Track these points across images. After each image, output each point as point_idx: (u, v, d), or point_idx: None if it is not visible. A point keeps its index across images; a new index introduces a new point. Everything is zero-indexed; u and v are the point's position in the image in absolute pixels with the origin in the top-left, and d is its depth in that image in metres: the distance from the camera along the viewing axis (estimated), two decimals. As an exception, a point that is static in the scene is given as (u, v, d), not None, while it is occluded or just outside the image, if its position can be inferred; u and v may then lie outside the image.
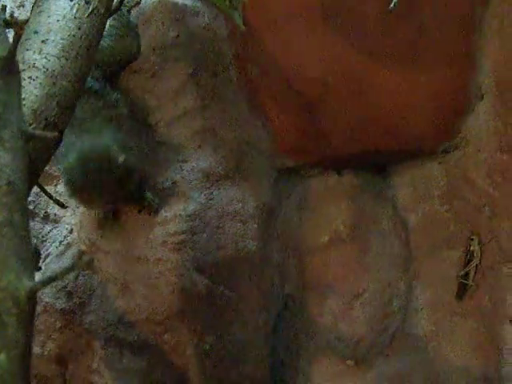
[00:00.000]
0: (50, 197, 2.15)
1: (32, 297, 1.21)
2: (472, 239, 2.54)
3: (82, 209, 2.49)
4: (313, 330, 2.60)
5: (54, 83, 1.77)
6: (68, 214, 2.54)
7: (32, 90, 1.71)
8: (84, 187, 2.16)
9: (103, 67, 2.32)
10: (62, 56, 1.79)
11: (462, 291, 2.57)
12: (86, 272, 2.48)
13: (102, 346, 2.49)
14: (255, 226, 2.49)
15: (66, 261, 2.48)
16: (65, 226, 2.54)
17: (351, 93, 2.42)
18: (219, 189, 2.46)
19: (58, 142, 1.80)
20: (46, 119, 1.72)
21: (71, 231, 2.52)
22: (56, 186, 2.56)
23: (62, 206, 2.29)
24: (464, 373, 2.54)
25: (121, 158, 2.11)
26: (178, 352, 2.47)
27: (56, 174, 2.52)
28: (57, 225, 2.56)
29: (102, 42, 1.95)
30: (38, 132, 1.64)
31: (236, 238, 2.45)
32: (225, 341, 2.48)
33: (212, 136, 2.48)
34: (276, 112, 2.50)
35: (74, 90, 1.82)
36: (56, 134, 1.72)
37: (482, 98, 2.46)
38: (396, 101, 2.43)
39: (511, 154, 2.37)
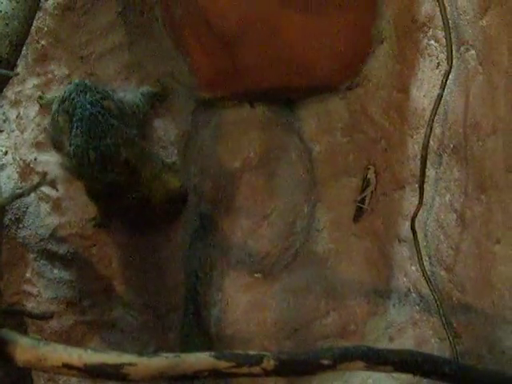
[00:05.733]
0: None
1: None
2: (369, 168, 2.80)
3: (16, 132, 2.69)
4: (225, 246, 2.86)
5: (6, 24, 1.98)
6: (2, 136, 2.72)
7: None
8: None
9: None
10: (13, -1, 1.98)
11: (358, 214, 2.86)
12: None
13: (34, 258, 2.73)
14: (175, 151, 2.74)
15: (1, 181, 2.69)
16: (-1, 148, 2.74)
17: (265, 34, 2.62)
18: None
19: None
20: (0, 56, 1.93)
21: (6, 153, 2.71)
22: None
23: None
24: (358, 286, 2.84)
25: None
26: (105, 264, 2.74)
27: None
28: (-9, 147, 2.74)
29: None
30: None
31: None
32: (148, 254, 2.76)
33: (138, 69, 2.71)
34: (197, 49, 2.70)
35: (23, 30, 2.06)
36: (17, 72, 1.94)
37: (382, 42, 2.68)
38: (304, 42, 2.64)
39: (405, 92, 2.60)
